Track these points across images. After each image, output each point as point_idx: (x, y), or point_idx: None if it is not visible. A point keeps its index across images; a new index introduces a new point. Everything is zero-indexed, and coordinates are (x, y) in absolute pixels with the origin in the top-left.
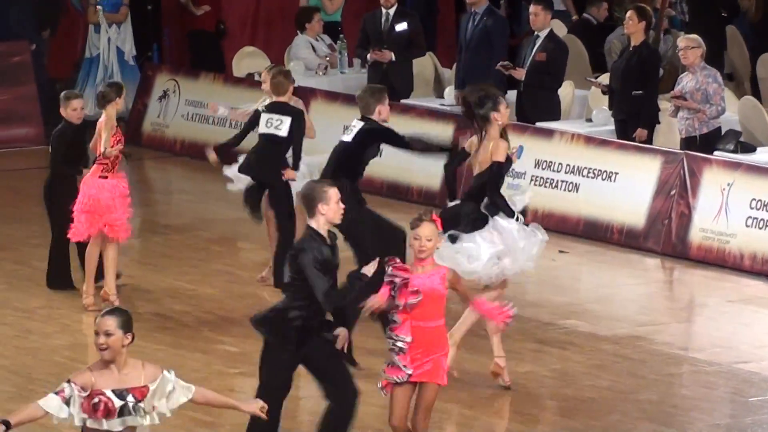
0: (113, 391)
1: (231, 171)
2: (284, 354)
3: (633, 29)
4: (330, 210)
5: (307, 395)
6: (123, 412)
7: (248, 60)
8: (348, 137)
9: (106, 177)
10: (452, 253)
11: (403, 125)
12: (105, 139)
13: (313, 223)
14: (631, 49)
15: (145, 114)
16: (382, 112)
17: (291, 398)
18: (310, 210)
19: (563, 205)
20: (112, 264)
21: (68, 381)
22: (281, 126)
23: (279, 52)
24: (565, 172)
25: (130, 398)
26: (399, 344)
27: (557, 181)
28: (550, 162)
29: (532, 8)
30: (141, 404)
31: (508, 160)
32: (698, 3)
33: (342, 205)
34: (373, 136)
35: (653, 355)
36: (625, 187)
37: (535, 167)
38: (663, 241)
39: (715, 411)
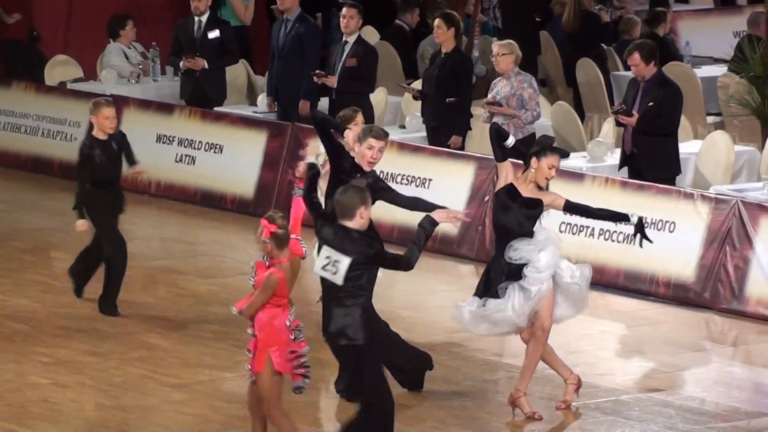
0: None
1: None
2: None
3: (443, 37)
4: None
5: None
6: None
7: (60, 68)
8: None
9: None
10: None
11: (215, 133)
12: None
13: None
14: (443, 56)
15: None
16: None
17: None
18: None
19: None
20: None
21: None
22: None
23: (92, 59)
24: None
25: None
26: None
27: None
28: None
29: (345, 11)
30: None
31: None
32: (511, 8)
33: None
34: None
35: (468, 361)
36: (438, 192)
37: None
38: (477, 248)
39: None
